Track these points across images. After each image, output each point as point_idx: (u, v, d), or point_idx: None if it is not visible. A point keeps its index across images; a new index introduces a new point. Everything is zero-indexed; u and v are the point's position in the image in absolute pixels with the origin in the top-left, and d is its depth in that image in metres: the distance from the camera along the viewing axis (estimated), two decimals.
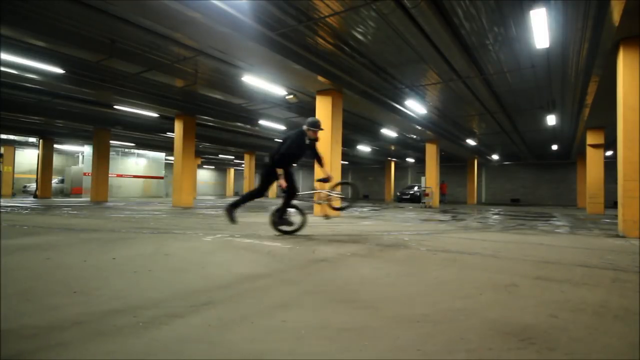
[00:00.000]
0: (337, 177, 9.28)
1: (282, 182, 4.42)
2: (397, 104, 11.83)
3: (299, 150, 4.56)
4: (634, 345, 1.52)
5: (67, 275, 2.55)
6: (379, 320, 1.76)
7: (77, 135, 18.50)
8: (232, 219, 4.66)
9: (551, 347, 1.47)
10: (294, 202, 4.79)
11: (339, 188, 5.63)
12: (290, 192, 4.59)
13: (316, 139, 4.69)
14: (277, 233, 4.81)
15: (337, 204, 5.39)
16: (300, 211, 4.89)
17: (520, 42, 7.64)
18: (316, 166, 4.93)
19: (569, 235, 5.81)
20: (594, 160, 12.93)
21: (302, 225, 4.82)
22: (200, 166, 36.65)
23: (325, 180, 4.88)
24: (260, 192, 4.76)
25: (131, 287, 2.27)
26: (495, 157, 25.84)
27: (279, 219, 4.74)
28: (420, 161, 25.77)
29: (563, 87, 10.73)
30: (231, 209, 4.64)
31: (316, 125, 4.54)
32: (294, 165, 4.76)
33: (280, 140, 4.67)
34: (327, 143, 8.97)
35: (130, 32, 7.40)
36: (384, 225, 7.06)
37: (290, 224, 4.76)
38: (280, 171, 4.43)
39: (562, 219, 9.97)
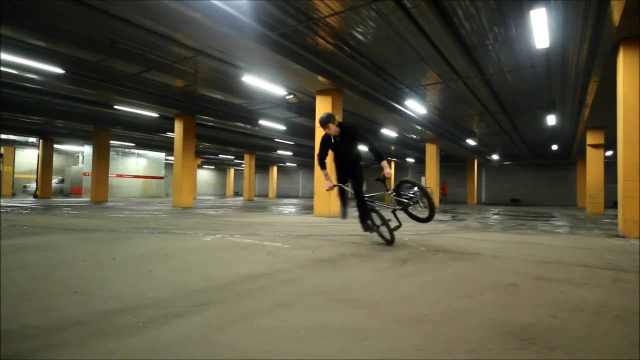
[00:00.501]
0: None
1: (327, 183, 4.17)
2: (397, 104, 11.83)
3: (326, 148, 4.27)
4: (634, 345, 1.52)
5: (67, 275, 2.55)
6: (379, 320, 1.76)
7: (77, 135, 18.51)
8: (345, 214, 4.47)
9: (551, 347, 1.47)
10: (374, 206, 4.26)
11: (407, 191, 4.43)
12: (356, 196, 4.19)
13: (337, 134, 4.16)
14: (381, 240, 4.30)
15: (416, 211, 4.31)
16: (381, 218, 4.23)
17: (520, 42, 7.64)
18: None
19: (569, 235, 5.81)
20: (594, 160, 12.93)
21: (391, 236, 4.19)
22: (200, 166, 36.67)
23: (380, 179, 4.18)
24: (341, 194, 4.39)
25: (131, 287, 2.27)
26: (495, 157, 25.84)
27: (363, 224, 4.27)
28: (420, 161, 25.75)
29: (563, 87, 10.72)
30: (344, 211, 4.47)
31: (320, 121, 4.16)
32: (343, 165, 4.34)
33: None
34: None
35: (130, 32, 7.40)
36: None
37: (371, 229, 4.28)
38: (323, 172, 4.25)
39: (562, 219, 9.97)
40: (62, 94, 11.69)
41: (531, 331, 1.62)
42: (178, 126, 13.04)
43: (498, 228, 6.79)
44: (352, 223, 7.35)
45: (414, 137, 17.58)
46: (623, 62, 5.72)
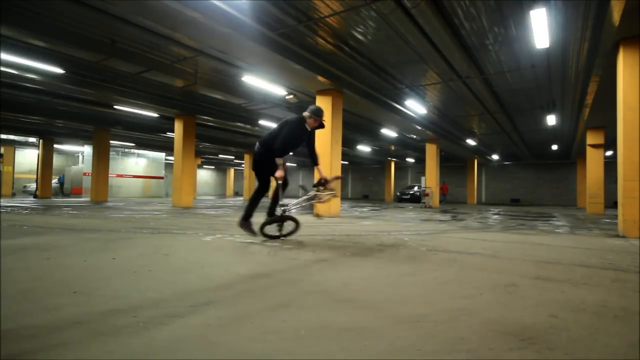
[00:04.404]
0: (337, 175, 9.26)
1: (282, 173, 4.01)
2: (397, 104, 11.83)
3: (297, 138, 4.18)
4: (634, 345, 1.52)
5: (67, 275, 2.55)
6: (379, 320, 1.76)
7: (77, 135, 18.51)
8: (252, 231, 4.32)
9: (551, 347, 1.46)
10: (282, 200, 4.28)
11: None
12: (283, 184, 4.14)
13: (314, 128, 4.30)
14: (259, 238, 4.23)
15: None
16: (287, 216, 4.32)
17: (520, 42, 7.64)
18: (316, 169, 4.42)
19: (569, 235, 5.81)
20: (594, 160, 12.93)
21: (295, 229, 4.36)
22: (200, 166, 36.64)
23: (320, 183, 4.44)
24: (263, 190, 4.35)
25: (131, 287, 2.27)
26: (495, 157, 25.83)
27: (269, 216, 4.29)
28: (420, 161, 25.77)
29: (563, 87, 10.73)
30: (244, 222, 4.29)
31: (320, 114, 4.19)
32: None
33: (275, 126, 4.23)
34: (327, 143, 8.97)
35: (130, 32, 7.41)
36: (384, 225, 7.06)
37: (280, 220, 4.26)
38: (280, 161, 3.97)
39: (562, 219, 9.97)
40: (62, 94, 11.69)
41: (531, 331, 1.62)
42: (178, 126, 13.04)
43: (498, 228, 6.79)
44: (353, 223, 7.36)
45: (414, 137, 17.58)
46: (623, 62, 5.72)
